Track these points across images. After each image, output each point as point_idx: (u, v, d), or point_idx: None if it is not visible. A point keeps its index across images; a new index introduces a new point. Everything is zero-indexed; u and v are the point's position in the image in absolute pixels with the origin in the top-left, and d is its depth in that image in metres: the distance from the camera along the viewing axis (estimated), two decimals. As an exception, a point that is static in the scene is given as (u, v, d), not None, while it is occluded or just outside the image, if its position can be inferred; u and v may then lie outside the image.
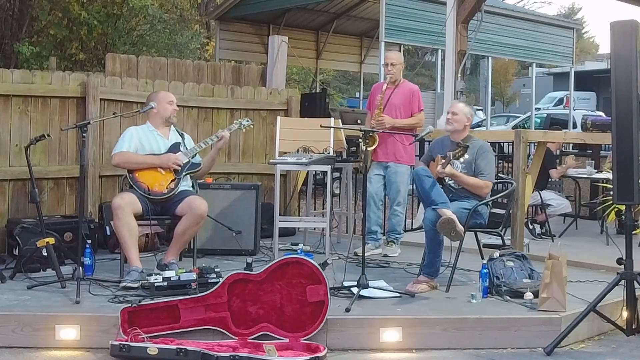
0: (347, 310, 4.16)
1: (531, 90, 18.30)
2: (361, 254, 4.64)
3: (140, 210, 4.84)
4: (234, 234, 5.77)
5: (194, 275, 4.40)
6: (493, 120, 22.53)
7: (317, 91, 17.47)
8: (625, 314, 4.31)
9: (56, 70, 9.23)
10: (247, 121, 5.56)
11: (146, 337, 3.86)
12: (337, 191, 9.08)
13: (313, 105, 11.71)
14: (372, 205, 5.96)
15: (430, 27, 12.46)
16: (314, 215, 6.68)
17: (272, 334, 3.97)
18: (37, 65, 12.71)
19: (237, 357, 3.71)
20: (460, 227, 4.57)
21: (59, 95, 5.94)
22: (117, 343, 3.80)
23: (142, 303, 4.05)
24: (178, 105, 5.40)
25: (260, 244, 6.04)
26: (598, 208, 7.17)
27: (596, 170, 7.99)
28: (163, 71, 7.75)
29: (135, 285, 4.54)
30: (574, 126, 17.65)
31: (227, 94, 7.04)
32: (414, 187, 5.22)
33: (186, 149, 5.19)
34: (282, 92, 7.38)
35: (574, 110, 19.17)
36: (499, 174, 8.68)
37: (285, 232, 6.59)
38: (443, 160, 4.81)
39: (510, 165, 8.03)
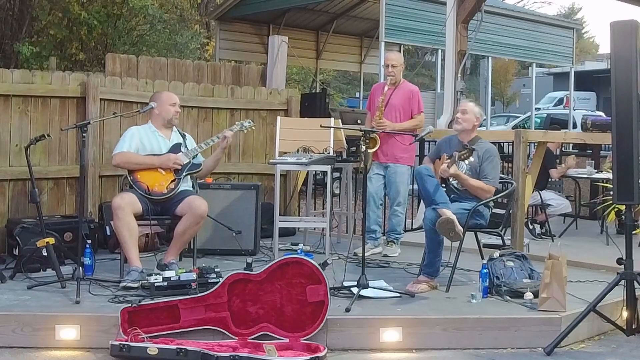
0: (347, 310, 4.16)
1: (531, 90, 18.28)
2: (361, 254, 4.65)
3: (140, 210, 4.85)
4: (234, 234, 5.77)
5: (194, 275, 4.41)
6: (493, 120, 22.53)
7: (317, 91, 17.45)
8: (625, 314, 4.31)
9: (56, 70, 9.23)
10: (249, 122, 5.56)
11: (146, 337, 3.86)
12: (337, 191, 9.08)
13: (313, 105, 11.71)
14: (372, 205, 5.96)
15: (430, 27, 12.45)
16: (314, 215, 6.68)
17: (272, 334, 3.97)
18: (37, 65, 12.71)
19: (237, 357, 3.71)
20: (460, 228, 4.57)
21: (59, 95, 5.94)
22: (117, 343, 3.80)
23: (142, 303, 4.05)
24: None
25: (260, 244, 6.04)
26: (598, 208, 7.17)
27: (596, 170, 7.99)
28: (163, 71, 7.76)
29: (135, 285, 4.54)
30: (574, 126, 17.64)
31: (227, 94, 7.04)
32: (415, 186, 5.21)
33: (187, 149, 5.19)
34: (282, 92, 7.38)
35: (574, 110, 19.16)
36: (499, 174, 8.68)
37: (285, 232, 6.59)
38: (448, 160, 4.80)
39: (510, 165, 8.03)
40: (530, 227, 7.31)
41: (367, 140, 4.83)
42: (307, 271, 4.07)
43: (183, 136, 5.30)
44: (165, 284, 4.34)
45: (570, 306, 4.27)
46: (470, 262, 5.20)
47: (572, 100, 19.02)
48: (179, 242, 4.99)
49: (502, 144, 10.49)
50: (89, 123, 4.83)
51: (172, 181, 5.04)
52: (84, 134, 4.63)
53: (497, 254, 4.79)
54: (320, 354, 3.76)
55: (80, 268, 4.53)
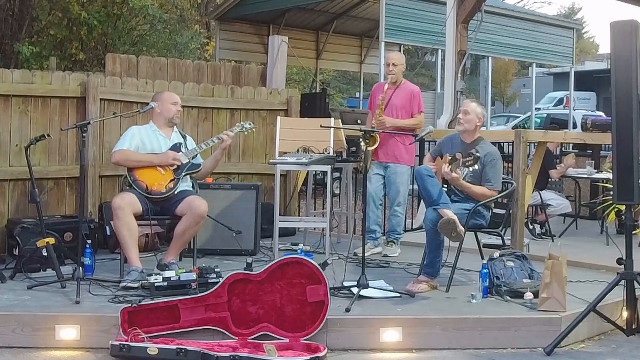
0: (347, 310, 4.16)
1: (531, 90, 18.28)
2: (361, 254, 4.65)
3: (140, 210, 4.85)
4: (234, 234, 5.77)
5: (194, 275, 4.41)
6: (493, 120, 22.51)
7: (317, 91, 17.45)
8: (625, 314, 4.31)
9: (56, 70, 9.23)
10: (249, 124, 5.57)
11: (146, 337, 3.86)
12: (337, 191, 9.08)
13: (313, 105, 11.70)
14: (372, 205, 5.96)
15: (430, 27, 12.44)
16: (314, 215, 6.68)
17: (272, 334, 3.97)
18: (37, 65, 12.71)
19: (237, 357, 3.71)
20: (461, 228, 4.56)
21: (59, 95, 5.94)
22: (117, 343, 3.80)
23: (142, 303, 4.05)
24: (178, 105, 5.40)
25: (260, 244, 6.04)
26: (598, 208, 7.17)
27: (596, 170, 7.99)
28: (163, 71, 7.76)
29: (135, 285, 4.54)
30: (574, 126, 17.64)
31: (227, 94, 7.03)
32: (415, 186, 5.20)
33: (187, 149, 5.20)
34: (282, 92, 7.38)
35: (574, 110, 19.15)
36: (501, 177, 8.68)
37: (285, 232, 6.59)
38: (450, 160, 4.78)
39: (510, 165, 8.03)
40: (530, 227, 7.31)
41: (367, 140, 4.83)
42: (307, 271, 4.07)
43: (184, 137, 5.30)
44: (165, 284, 4.34)
45: (570, 306, 4.27)
46: (470, 262, 5.20)
47: (572, 100, 19.02)
48: (178, 242, 4.99)
49: (502, 144, 10.49)
50: (89, 123, 4.83)
51: (171, 180, 5.04)
52: (84, 134, 4.63)
53: (497, 254, 4.79)
54: (320, 354, 3.76)
55: (80, 268, 4.53)
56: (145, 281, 4.43)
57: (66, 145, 6.00)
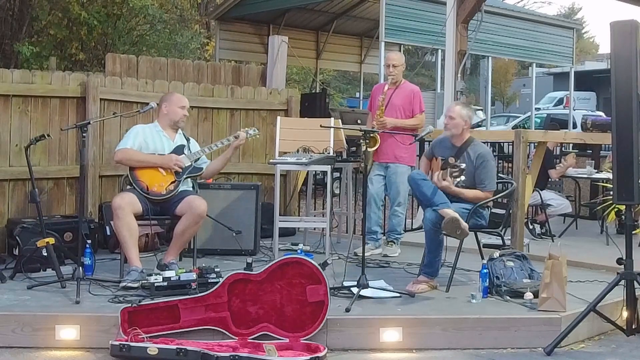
0: (347, 310, 4.16)
1: (531, 90, 18.29)
2: (361, 254, 4.65)
3: (140, 210, 4.85)
4: (234, 234, 5.77)
5: (194, 275, 4.41)
6: (493, 120, 22.53)
7: (317, 91, 17.47)
8: (625, 314, 4.31)
9: (56, 70, 9.24)
10: (254, 130, 5.57)
11: (146, 337, 3.86)
12: (337, 191, 9.08)
13: (313, 105, 11.72)
14: (373, 206, 5.96)
15: (430, 27, 12.46)
16: (314, 215, 6.68)
17: (272, 334, 3.97)
18: (37, 65, 12.71)
19: (237, 357, 3.71)
20: (465, 225, 4.57)
21: (59, 95, 5.94)
22: (117, 343, 3.80)
23: (142, 303, 4.05)
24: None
25: (260, 244, 6.04)
26: (598, 208, 7.17)
27: (596, 170, 7.98)
28: (163, 71, 7.77)
29: (135, 285, 4.54)
30: (574, 126, 17.64)
31: (227, 94, 7.03)
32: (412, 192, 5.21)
33: (190, 152, 5.20)
34: (282, 92, 7.38)
35: (574, 110, 19.16)
36: (499, 174, 8.68)
37: (285, 232, 6.59)
38: (441, 171, 4.77)
39: (510, 165, 8.03)
40: (530, 227, 7.31)
41: (367, 140, 4.83)
42: (307, 271, 4.07)
43: (187, 139, 5.30)
44: (165, 284, 4.34)
45: (570, 306, 4.27)
46: (470, 262, 5.20)
47: (572, 100, 19.03)
48: (178, 242, 4.99)
49: (502, 144, 10.51)
50: (89, 123, 4.83)
51: (171, 183, 5.04)
52: (84, 134, 4.63)
53: (497, 254, 4.79)
54: (320, 354, 3.76)
55: (80, 268, 4.53)
56: (145, 281, 4.43)
57: (66, 145, 6.00)
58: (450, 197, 4.84)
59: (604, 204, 6.45)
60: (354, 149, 6.67)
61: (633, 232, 4.44)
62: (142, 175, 4.99)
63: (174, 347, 3.77)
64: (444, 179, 4.73)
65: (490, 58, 17.38)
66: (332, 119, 6.56)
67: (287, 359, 3.74)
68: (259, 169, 7.04)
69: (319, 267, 4.09)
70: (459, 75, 8.14)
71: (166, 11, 17.16)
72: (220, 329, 3.99)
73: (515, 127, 19.43)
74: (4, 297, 4.37)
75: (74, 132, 5.82)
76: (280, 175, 6.20)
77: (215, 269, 4.53)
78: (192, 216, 4.87)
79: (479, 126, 18.08)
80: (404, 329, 4.03)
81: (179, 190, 5.04)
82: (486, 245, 5.55)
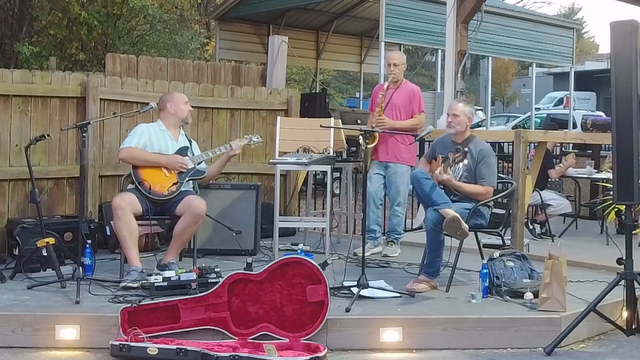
0: (347, 310, 4.16)
1: (531, 90, 18.29)
2: (361, 254, 4.65)
3: (140, 211, 4.85)
4: (234, 234, 5.77)
5: (194, 275, 4.41)
6: (493, 120, 22.53)
7: (317, 91, 17.47)
8: (625, 314, 4.31)
9: (56, 70, 9.23)
10: (257, 138, 5.59)
11: (146, 337, 3.86)
12: (337, 191, 9.08)
13: (313, 105, 11.72)
14: (372, 205, 5.96)
15: (430, 27, 12.46)
16: (314, 215, 6.68)
17: (272, 334, 3.97)
18: (37, 65, 12.71)
19: (237, 357, 3.71)
20: (466, 226, 4.57)
21: (59, 95, 5.93)
22: (117, 343, 3.80)
23: (142, 303, 4.05)
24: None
25: (260, 244, 6.04)
26: (598, 208, 7.16)
27: (596, 170, 7.98)
28: (163, 71, 7.76)
29: (135, 285, 4.54)
30: (574, 126, 17.64)
31: (227, 94, 7.03)
32: (413, 190, 5.21)
33: (193, 154, 5.20)
34: (282, 92, 7.38)
35: (574, 110, 19.16)
36: (499, 174, 8.67)
37: (285, 232, 6.59)
38: (442, 164, 4.79)
39: (510, 165, 8.02)
40: (530, 227, 7.31)
41: (367, 138, 4.83)
42: (307, 271, 4.07)
43: (189, 141, 5.31)
44: (165, 284, 4.34)
45: (570, 306, 4.27)
46: (470, 262, 5.19)
47: (572, 100, 19.03)
48: (178, 242, 4.99)
49: (502, 144, 10.50)
50: (89, 123, 4.83)
51: (173, 184, 5.04)
52: (84, 134, 4.63)
53: (497, 254, 4.79)
54: (320, 354, 3.76)
55: (80, 268, 4.53)
56: (145, 281, 4.43)
57: (66, 145, 6.00)
58: (451, 196, 4.85)
59: (604, 204, 6.45)
60: (354, 148, 6.67)
61: (633, 232, 4.44)
62: (145, 174, 4.99)
63: (174, 347, 3.77)
64: (445, 172, 4.74)
65: (490, 58, 17.38)
66: (332, 119, 6.56)
67: (287, 359, 3.74)
68: (259, 169, 7.04)
69: (319, 267, 4.09)
70: (459, 75, 8.14)
71: (166, 11, 17.16)
72: (220, 329, 3.99)
73: (515, 127, 19.42)
74: (4, 297, 4.37)
75: (74, 132, 5.82)
76: (280, 175, 6.20)
77: (215, 269, 4.53)
78: (191, 216, 4.87)
79: (479, 126, 18.09)
80: (404, 329, 4.03)
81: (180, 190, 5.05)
82: (486, 245, 5.55)
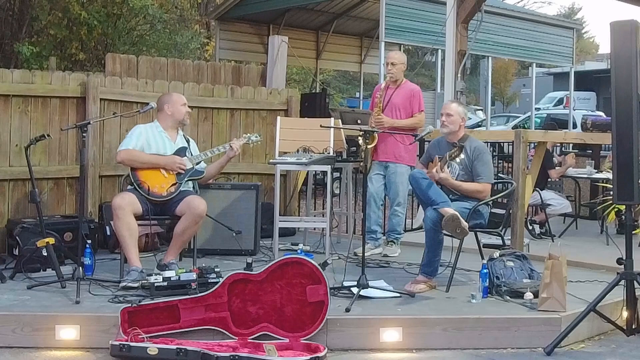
0: (347, 310, 4.16)
1: (531, 90, 18.30)
2: (361, 254, 4.65)
3: (140, 211, 4.85)
4: (234, 234, 5.77)
5: (194, 275, 4.40)
6: (493, 120, 22.55)
7: (317, 91, 17.48)
8: (625, 314, 4.31)
9: (56, 70, 9.23)
10: (256, 137, 5.58)
11: (146, 337, 3.86)
12: (337, 191, 9.08)
13: (313, 105, 11.72)
14: (373, 205, 5.96)
15: (430, 27, 12.47)
16: (314, 215, 6.68)
17: (272, 334, 3.97)
18: (37, 65, 12.70)
19: (237, 357, 3.71)
20: (465, 224, 4.57)
21: (59, 95, 5.93)
22: (117, 343, 3.80)
23: (142, 303, 4.05)
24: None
25: (260, 244, 6.04)
26: (598, 208, 7.16)
27: (596, 170, 7.98)
28: (163, 71, 7.76)
29: (135, 285, 4.54)
30: (574, 126, 17.65)
31: (227, 94, 7.03)
32: (412, 191, 5.21)
33: (191, 155, 5.20)
34: (282, 92, 7.38)
35: (574, 110, 19.17)
36: (499, 174, 8.68)
37: (285, 232, 6.59)
38: (439, 163, 4.79)
39: (510, 165, 8.03)
40: (530, 227, 7.31)
41: (367, 139, 4.83)
42: (307, 271, 4.07)
43: (187, 141, 5.30)
44: (165, 284, 4.34)
45: (570, 306, 4.27)
46: (470, 262, 5.19)
47: (572, 100, 19.03)
48: (178, 242, 5.00)
49: (502, 144, 10.50)
50: (89, 123, 4.83)
51: (172, 185, 5.04)
52: (84, 134, 4.63)
53: (497, 254, 4.79)
54: (320, 354, 3.77)
55: (80, 268, 4.53)
56: (145, 281, 4.43)
57: (66, 145, 6.00)
58: (449, 195, 4.85)
59: (604, 204, 6.44)
60: (354, 148, 6.67)
61: (633, 232, 4.43)
62: (144, 175, 4.99)
63: (174, 347, 3.77)
64: (442, 170, 4.75)
65: (490, 58, 17.39)
66: (332, 119, 6.56)
67: (287, 359, 3.74)
68: (259, 169, 7.04)
69: (319, 267, 4.09)
70: (459, 75, 8.14)
71: (166, 11, 17.15)
72: (220, 329, 3.99)
73: (515, 127, 19.44)
74: (4, 297, 4.37)
75: (74, 132, 5.82)
76: (280, 175, 6.20)
77: (215, 269, 4.53)
78: (191, 216, 4.87)
79: (479, 126, 18.10)
80: (404, 329, 4.03)
81: (179, 190, 5.05)
82: (486, 245, 5.54)
